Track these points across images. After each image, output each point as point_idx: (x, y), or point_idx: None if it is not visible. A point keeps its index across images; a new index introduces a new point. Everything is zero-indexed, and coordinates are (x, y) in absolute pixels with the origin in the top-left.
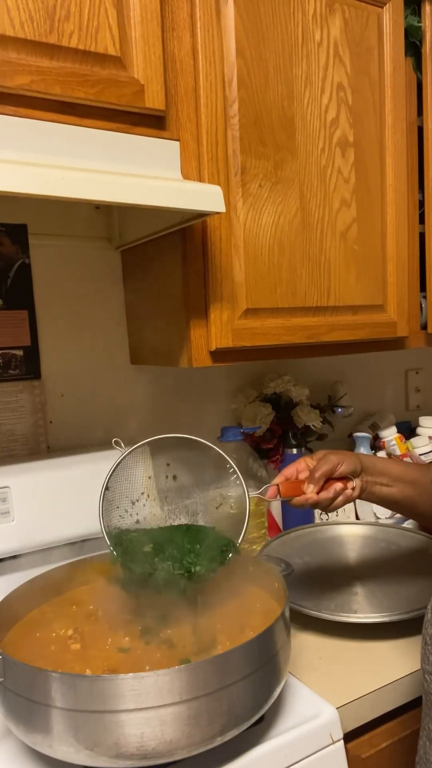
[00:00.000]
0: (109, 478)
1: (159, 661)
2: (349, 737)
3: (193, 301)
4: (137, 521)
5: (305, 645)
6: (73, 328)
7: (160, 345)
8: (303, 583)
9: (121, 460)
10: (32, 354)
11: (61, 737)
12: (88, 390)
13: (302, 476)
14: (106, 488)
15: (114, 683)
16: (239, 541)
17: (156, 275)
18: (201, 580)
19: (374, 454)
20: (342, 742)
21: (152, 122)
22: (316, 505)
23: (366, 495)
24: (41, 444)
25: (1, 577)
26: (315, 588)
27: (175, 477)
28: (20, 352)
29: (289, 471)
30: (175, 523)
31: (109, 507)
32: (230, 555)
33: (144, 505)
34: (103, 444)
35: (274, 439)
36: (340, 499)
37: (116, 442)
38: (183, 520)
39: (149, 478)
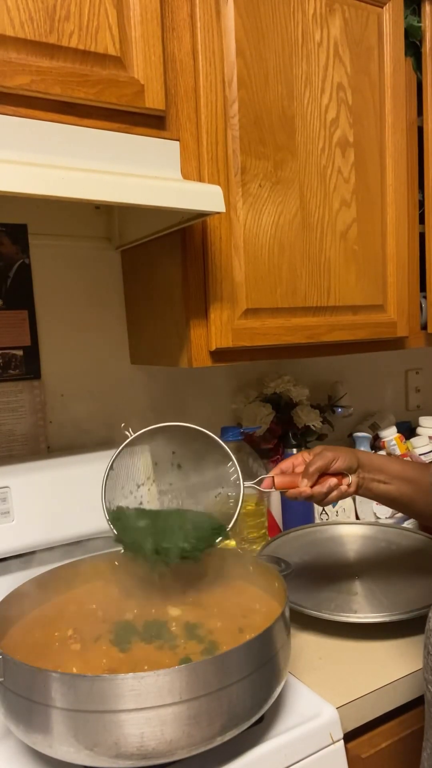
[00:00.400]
0: (114, 459)
1: (159, 661)
2: (349, 737)
3: (193, 301)
4: (140, 503)
5: (305, 645)
6: (73, 328)
7: (160, 345)
8: (303, 583)
9: (129, 442)
10: (32, 354)
11: (61, 737)
12: (88, 390)
13: (298, 470)
14: (111, 468)
15: (114, 683)
16: (230, 526)
17: (156, 275)
18: (189, 557)
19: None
20: (342, 742)
21: (152, 122)
22: (309, 498)
23: (363, 491)
24: (41, 444)
25: (1, 577)
26: (315, 588)
27: (180, 465)
28: (20, 352)
29: (286, 464)
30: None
31: (114, 487)
32: (219, 537)
33: (149, 490)
34: (103, 444)
35: (274, 439)
36: (334, 493)
37: (125, 427)
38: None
39: (155, 464)
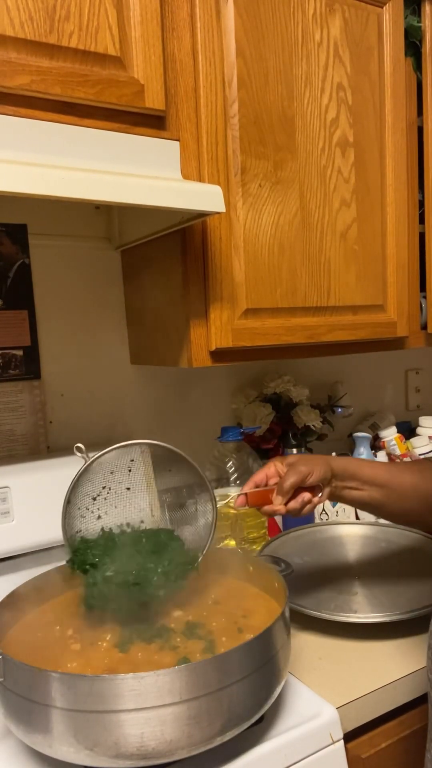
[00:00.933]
0: (71, 491)
1: (159, 660)
2: (349, 737)
3: (193, 301)
4: (99, 516)
5: (305, 645)
6: (73, 328)
7: (160, 345)
8: (303, 583)
9: (86, 468)
10: (32, 354)
11: (61, 737)
12: (88, 390)
13: (272, 482)
14: (68, 501)
15: (114, 683)
16: (205, 550)
17: (156, 275)
18: (163, 599)
19: (374, 453)
20: (342, 742)
21: (152, 122)
22: (284, 514)
23: (335, 498)
24: (41, 444)
25: (1, 577)
26: (315, 588)
27: (128, 489)
28: (20, 352)
29: (259, 477)
30: (141, 526)
31: (71, 508)
32: (190, 570)
33: (105, 499)
34: (103, 444)
35: (274, 439)
36: (307, 507)
37: (78, 449)
38: (147, 524)
39: (111, 473)
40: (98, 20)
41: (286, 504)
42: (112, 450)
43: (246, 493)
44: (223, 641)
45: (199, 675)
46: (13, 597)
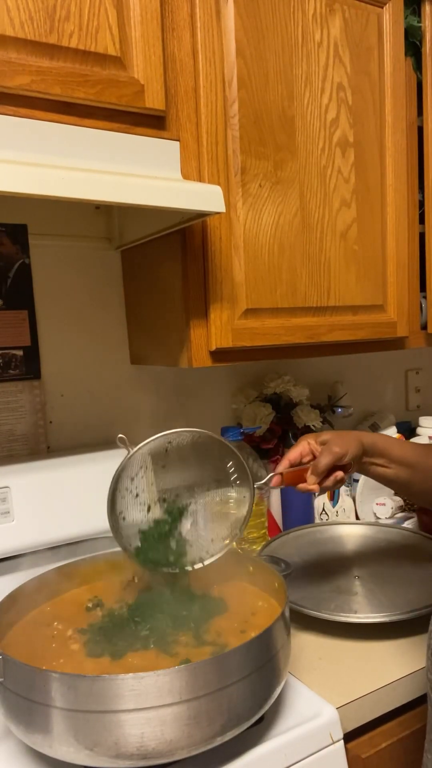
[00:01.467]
0: (116, 481)
1: (159, 660)
2: (349, 737)
3: (192, 301)
4: (137, 495)
5: (305, 645)
6: (73, 328)
7: (160, 345)
8: (303, 583)
9: (129, 458)
10: (32, 354)
11: (61, 737)
12: (88, 390)
13: (306, 460)
14: (114, 490)
15: (114, 683)
16: (242, 527)
17: (156, 275)
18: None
19: None
20: (342, 742)
21: (152, 122)
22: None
23: (361, 471)
24: (41, 444)
25: (1, 577)
26: (315, 588)
27: (164, 466)
28: (20, 352)
29: (293, 456)
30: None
31: (116, 495)
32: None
33: (143, 477)
34: (103, 444)
35: (274, 439)
36: (338, 483)
37: (120, 440)
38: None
39: (148, 454)
40: (98, 20)
41: (320, 483)
42: (155, 439)
43: (281, 473)
44: (223, 641)
45: (199, 675)
46: (13, 597)
